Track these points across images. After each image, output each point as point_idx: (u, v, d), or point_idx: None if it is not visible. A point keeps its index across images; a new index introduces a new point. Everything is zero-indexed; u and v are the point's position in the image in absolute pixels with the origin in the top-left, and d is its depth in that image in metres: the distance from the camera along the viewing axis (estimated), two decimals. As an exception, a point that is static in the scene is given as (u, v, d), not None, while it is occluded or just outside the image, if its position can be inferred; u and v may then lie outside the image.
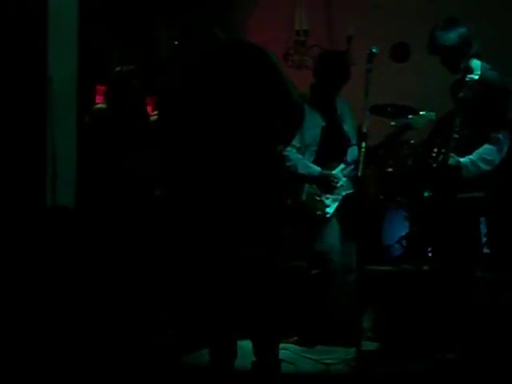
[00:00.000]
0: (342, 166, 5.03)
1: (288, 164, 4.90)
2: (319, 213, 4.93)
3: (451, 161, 4.20)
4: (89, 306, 4.73)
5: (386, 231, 5.39)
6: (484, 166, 4.21)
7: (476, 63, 4.30)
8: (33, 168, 5.02)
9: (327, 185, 4.96)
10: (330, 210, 4.94)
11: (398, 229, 5.25)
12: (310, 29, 6.08)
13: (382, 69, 4.35)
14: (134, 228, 4.77)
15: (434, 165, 4.26)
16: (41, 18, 5.09)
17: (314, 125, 4.94)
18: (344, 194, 4.97)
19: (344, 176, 5.00)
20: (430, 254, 4.79)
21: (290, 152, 4.88)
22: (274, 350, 4.08)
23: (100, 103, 5.12)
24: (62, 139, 5.14)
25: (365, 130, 4.11)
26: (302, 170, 4.95)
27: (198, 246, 4.18)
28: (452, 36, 4.24)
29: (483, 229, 4.43)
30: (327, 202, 4.97)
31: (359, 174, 4.09)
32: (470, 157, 4.21)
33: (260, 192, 4.00)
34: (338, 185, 4.97)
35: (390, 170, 5.48)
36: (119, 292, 4.71)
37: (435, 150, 4.33)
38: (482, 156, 4.21)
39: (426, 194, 4.45)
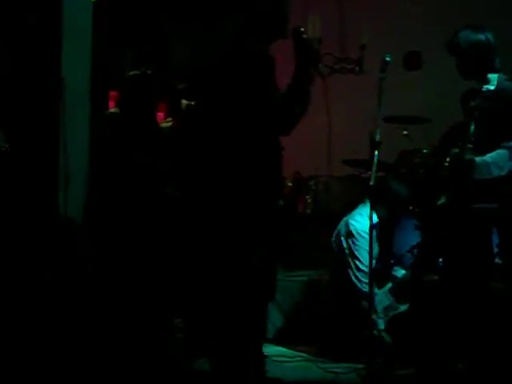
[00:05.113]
0: (390, 285, 4.97)
1: None
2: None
3: (467, 156, 4.15)
4: (99, 306, 4.73)
5: (397, 240, 5.37)
6: (495, 171, 4.19)
7: (493, 74, 4.28)
8: (46, 169, 5.04)
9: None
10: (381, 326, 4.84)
11: (409, 238, 5.23)
12: (322, 37, 6.06)
13: (395, 77, 4.34)
14: (144, 230, 4.77)
15: (448, 165, 4.23)
16: (55, 23, 5.11)
17: None
18: (391, 314, 4.88)
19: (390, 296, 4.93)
20: (441, 264, 4.78)
21: None
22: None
23: (113, 108, 5.12)
24: (75, 142, 5.14)
25: (378, 139, 4.11)
26: None
27: (209, 248, 4.15)
28: (480, 37, 4.22)
29: (495, 239, 4.42)
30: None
31: (371, 182, 4.09)
32: (484, 158, 4.18)
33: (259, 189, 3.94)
34: (379, 309, 4.85)
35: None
36: (129, 293, 4.71)
37: (447, 159, 4.32)
38: (494, 160, 4.19)
39: (439, 203, 4.43)
